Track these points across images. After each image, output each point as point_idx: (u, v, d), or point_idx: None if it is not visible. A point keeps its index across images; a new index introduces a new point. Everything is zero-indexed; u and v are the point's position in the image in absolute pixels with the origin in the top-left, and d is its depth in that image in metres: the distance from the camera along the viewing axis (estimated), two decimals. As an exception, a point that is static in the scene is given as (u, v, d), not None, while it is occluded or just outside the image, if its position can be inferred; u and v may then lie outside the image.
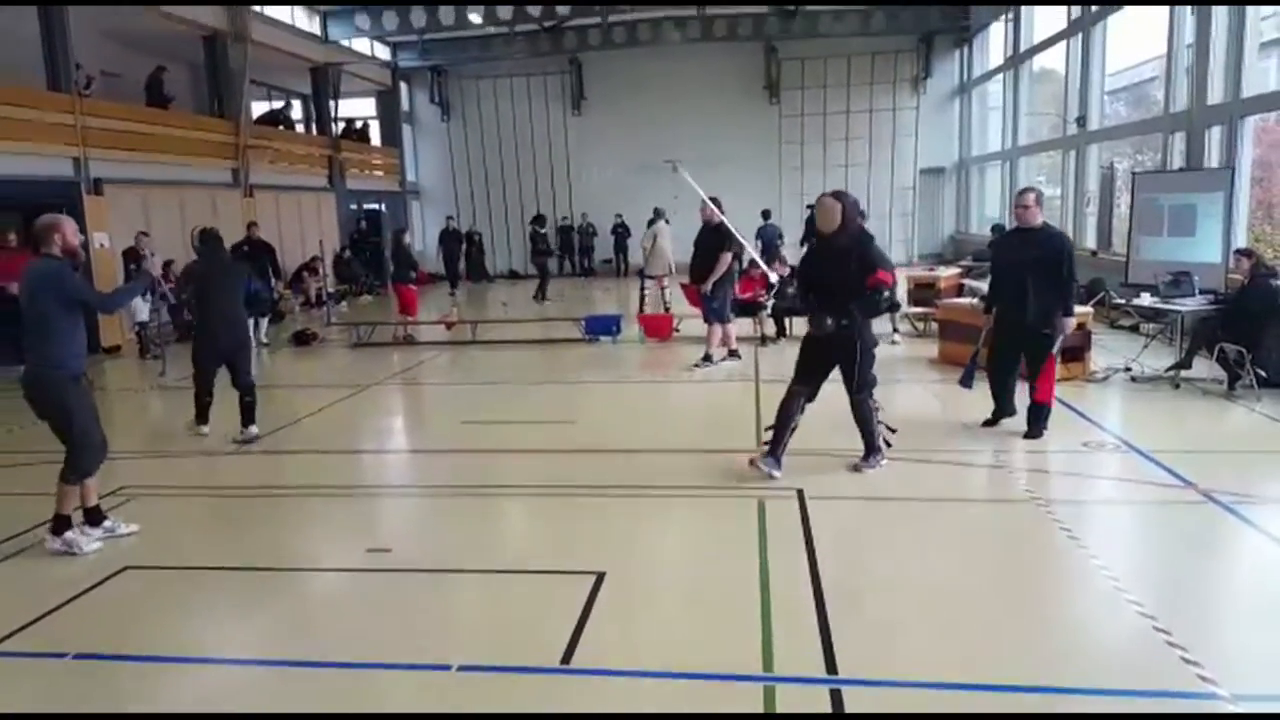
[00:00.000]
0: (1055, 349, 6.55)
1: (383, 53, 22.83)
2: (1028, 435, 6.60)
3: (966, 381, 7.04)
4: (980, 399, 7.05)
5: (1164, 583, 4.20)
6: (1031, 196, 6.57)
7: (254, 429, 7.25)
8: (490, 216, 24.16)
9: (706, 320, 10.09)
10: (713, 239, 9.85)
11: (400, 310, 13.10)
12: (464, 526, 5.31)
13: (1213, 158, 10.72)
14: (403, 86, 24.29)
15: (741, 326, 11.45)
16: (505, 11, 18.99)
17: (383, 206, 22.93)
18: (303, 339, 13.03)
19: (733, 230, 10.00)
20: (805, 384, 5.85)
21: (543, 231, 19.51)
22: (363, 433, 8.07)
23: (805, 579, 4.22)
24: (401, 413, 9.30)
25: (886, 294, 5.63)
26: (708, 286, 9.76)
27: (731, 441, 6.77)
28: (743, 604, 3.98)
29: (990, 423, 6.89)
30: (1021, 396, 6.77)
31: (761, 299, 11.42)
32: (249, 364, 7.42)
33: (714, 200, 9.87)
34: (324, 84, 20.52)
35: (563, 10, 18.84)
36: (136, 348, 12.45)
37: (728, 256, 9.80)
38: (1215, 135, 10.67)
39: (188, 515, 5.80)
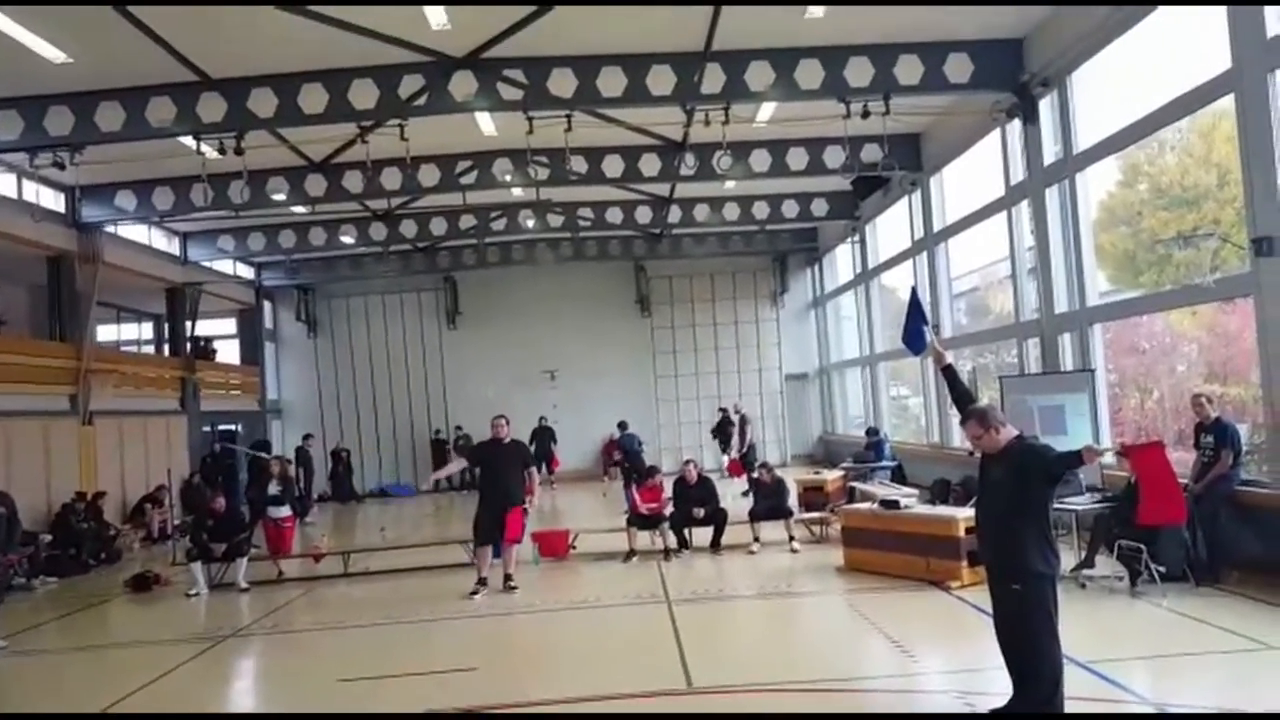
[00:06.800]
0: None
1: (245, 271, 22.23)
2: None
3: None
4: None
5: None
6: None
7: None
8: (360, 433, 23.13)
9: (515, 541, 9.71)
10: (512, 455, 9.81)
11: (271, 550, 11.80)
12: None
13: (1067, 360, 11.47)
14: (266, 304, 23.59)
15: (641, 539, 10.93)
16: (378, 232, 19.06)
17: (239, 427, 21.57)
18: (142, 583, 11.13)
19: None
20: None
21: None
22: (214, 706, 6.75)
23: None
24: (264, 674, 7.76)
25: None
26: (532, 501, 9.87)
27: (656, 681, 6.09)
28: None
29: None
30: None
31: (662, 511, 10.98)
32: None
33: (504, 418, 9.98)
34: (181, 305, 19.55)
35: (437, 231, 19.09)
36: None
37: (534, 471, 10.16)
38: (1067, 340, 11.47)
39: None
